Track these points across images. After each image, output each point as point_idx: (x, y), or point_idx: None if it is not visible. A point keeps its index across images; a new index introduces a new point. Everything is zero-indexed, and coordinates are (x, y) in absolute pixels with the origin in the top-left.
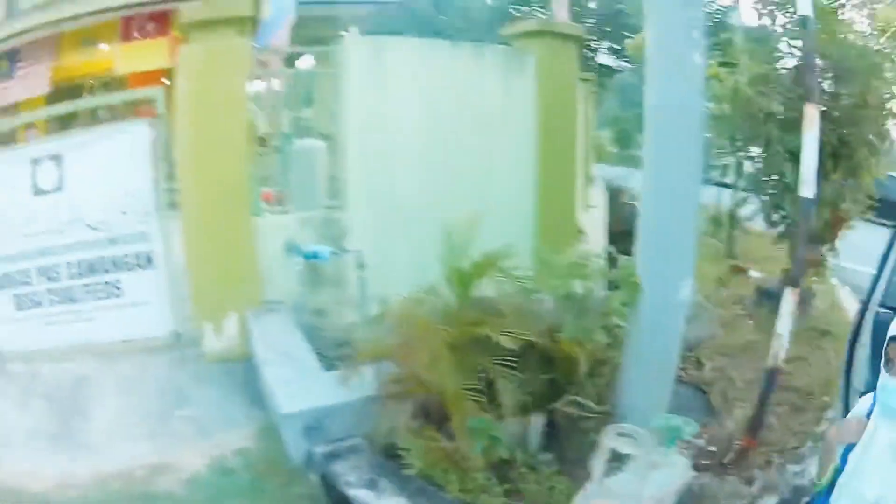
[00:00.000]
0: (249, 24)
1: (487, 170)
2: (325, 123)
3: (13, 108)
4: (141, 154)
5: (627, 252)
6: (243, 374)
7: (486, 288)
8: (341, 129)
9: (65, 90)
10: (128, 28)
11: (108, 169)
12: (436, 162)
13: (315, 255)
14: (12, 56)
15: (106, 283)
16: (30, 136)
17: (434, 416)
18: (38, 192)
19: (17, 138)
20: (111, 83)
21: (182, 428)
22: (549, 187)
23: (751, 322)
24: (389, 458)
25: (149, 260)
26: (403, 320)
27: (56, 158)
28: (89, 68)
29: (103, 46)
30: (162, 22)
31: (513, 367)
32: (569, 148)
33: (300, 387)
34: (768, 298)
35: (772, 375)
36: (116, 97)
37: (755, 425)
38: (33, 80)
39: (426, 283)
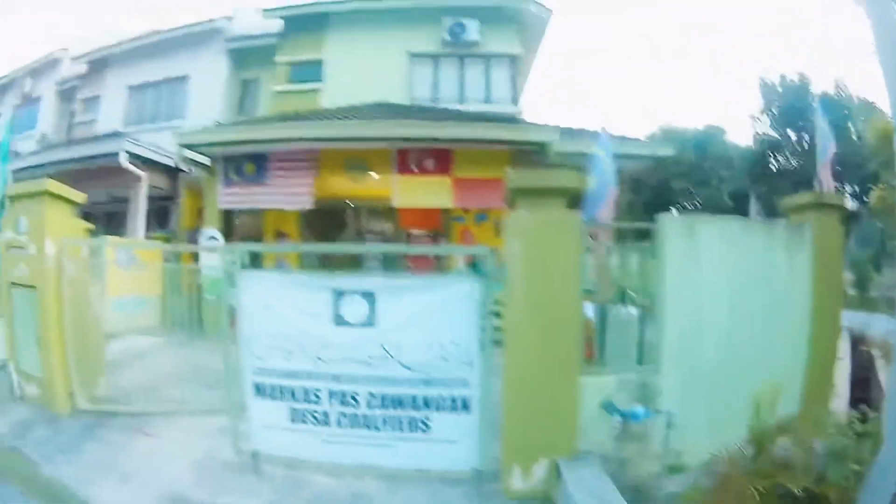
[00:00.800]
0: (577, 195)
1: (773, 339)
2: (638, 292)
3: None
4: (468, 306)
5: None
6: None
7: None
8: (660, 297)
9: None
10: (404, 160)
11: (432, 316)
12: (736, 332)
13: (633, 415)
14: (260, 162)
15: (413, 418)
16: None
17: None
18: (341, 322)
19: None
20: (381, 212)
21: None
22: (818, 353)
23: None
24: None
25: (465, 405)
26: (717, 473)
27: (367, 296)
28: (356, 192)
29: (372, 173)
30: (443, 160)
31: None
32: (836, 313)
33: None
34: None
35: None
36: (451, 250)
37: None
38: (297, 194)
39: (721, 440)
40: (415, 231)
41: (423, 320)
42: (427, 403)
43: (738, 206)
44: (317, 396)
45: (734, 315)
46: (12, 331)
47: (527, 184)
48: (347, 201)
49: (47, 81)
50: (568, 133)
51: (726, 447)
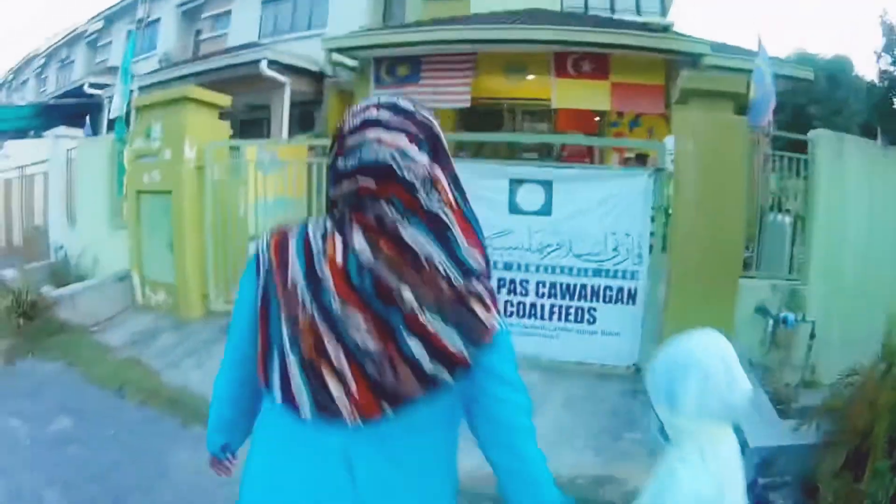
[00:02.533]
0: (743, 101)
1: None
2: (791, 202)
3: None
4: (641, 200)
5: None
6: None
7: None
8: (809, 211)
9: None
10: (562, 63)
11: (607, 207)
12: (875, 252)
13: (784, 321)
14: (414, 64)
15: (581, 308)
16: None
17: (856, 463)
18: (516, 210)
19: None
20: (537, 113)
21: (629, 448)
22: None
23: None
24: (809, 496)
25: (632, 297)
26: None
27: (544, 184)
28: (512, 93)
29: (529, 76)
30: (601, 64)
31: None
32: None
33: (761, 428)
34: None
35: None
36: (624, 142)
37: None
38: (455, 93)
39: (853, 357)
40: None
41: (599, 209)
42: (595, 294)
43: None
44: None
45: (874, 235)
46: (139, 240)
47: (700, 85)
48: (503, 103)
49: (167, 3)
50: (716, 48)
51: (860, 363)
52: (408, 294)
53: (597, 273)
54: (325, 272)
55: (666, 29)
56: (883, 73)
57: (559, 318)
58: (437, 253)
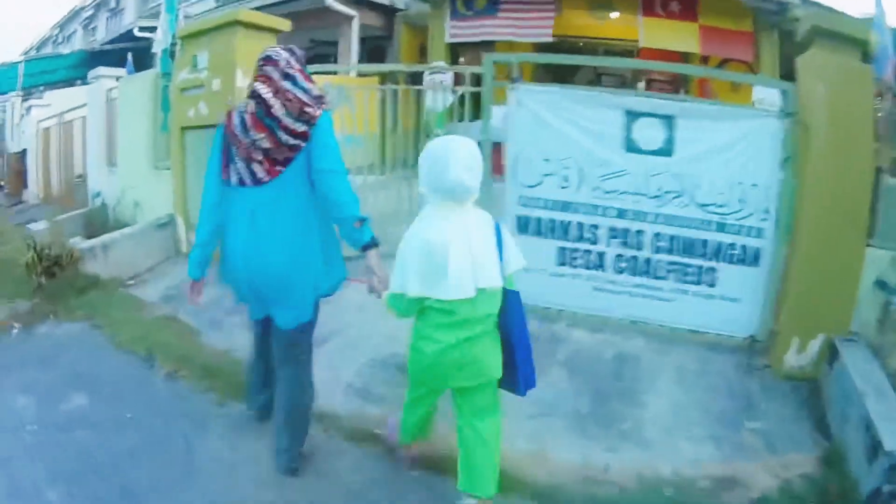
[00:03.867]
0: (867, 49)
1: None
2: None
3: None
4: (770, 145)
5: None
6: (807, 396)
7: None
8: None
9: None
10: (650, 2)
11: (735, 150)
12: None
13: None
14: None
15: (700, 267)
16: None
17: None
18: (633, 149)
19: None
20: (620, 54)
21: (751, 441)
22: None
23: None
24: None
25: (756, 258)
26: None
27: (666, 119)
28: (597, 32)
29: (615, 13)
30: (689, 5)
31: None
32: None
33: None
34: None
35: None
36: (747, 78)
37: None
38: (536, 27)
39: None
40: (657, 77)
41: (726, 154)
42: (717, 253)
43: None
44: (593, 234)
45: None
46: (184, 181)
47: (829, 26)
48: (581, 43)
49: None
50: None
51: None
52: (279, 111)
53: (720, 227)
54: (246, 118)
55: None
56: None
57: (676, 279)
58: (293, 90)
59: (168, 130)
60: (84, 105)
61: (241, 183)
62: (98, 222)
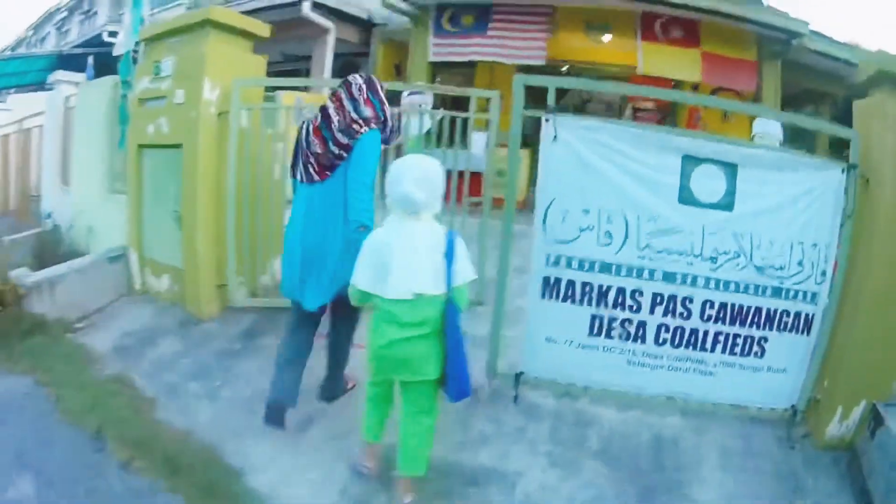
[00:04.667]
0: None
1: None
2: None
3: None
4: (833, 201)
5: None
6: (847, 465)
7: None
8: None
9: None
10: (650, 24)
11: (798, 206)
12: None
13: None
14: (481, 13)
15: (750, 338)
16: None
17: None
18: (689, 201)
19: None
20: (621, 78)
21: None
22: None
23: None
24: None
25: (807, 326)
26: None
27: (728, 168)
28: (592, 55)
29: (611, 35)
30: (691, 31)
31: None
32: None
33: None
34: None
35: None
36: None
37: None
38: (527, 48)
39: None
40: (643, 105)
41: (790, 209)
42: (770, 321)
43: None
44: (636, 301)
45: None
46: (139, 209)
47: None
48: (578, 65)
49: None
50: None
51: None
52: (336, 125)
53: (776, 292)
54: (311, 128)
55: (759, 1)
56: None
57: (723, 350)
58: (350, 109)
59: (125, 148)
60: (43, 113)
61: (303, 180)
62: (50, 246)
